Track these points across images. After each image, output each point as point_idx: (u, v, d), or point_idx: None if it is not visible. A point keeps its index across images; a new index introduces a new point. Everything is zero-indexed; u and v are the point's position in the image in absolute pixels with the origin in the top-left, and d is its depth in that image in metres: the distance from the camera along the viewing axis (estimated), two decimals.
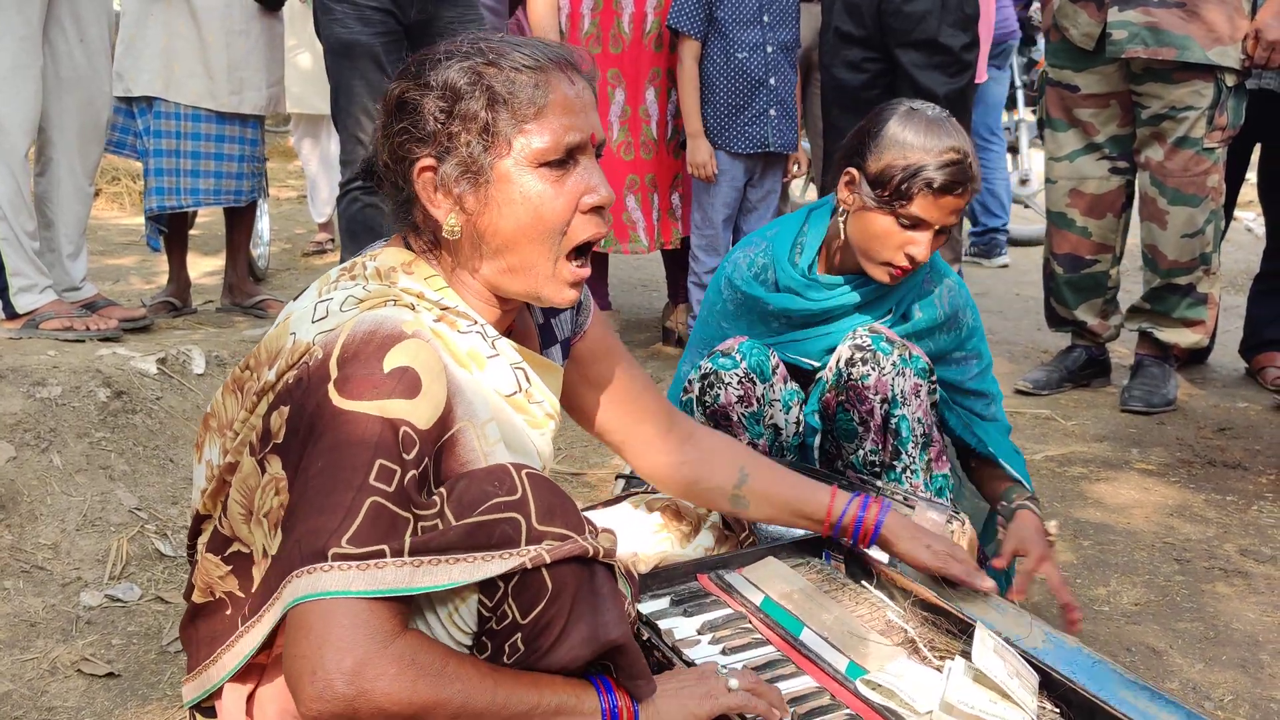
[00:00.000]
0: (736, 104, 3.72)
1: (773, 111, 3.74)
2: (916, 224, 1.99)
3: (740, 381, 2.08)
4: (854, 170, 2.04)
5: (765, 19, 3.69)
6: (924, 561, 1.68)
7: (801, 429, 2.17)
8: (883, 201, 1.99)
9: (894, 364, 1.99)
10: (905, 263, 2.02)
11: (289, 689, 1.16)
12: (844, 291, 2.13)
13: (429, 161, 1.36)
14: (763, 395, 2.10)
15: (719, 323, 2.26)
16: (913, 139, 1.97)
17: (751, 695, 1.35)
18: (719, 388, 2.08)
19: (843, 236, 2.09)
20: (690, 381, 2.13)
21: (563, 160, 1.36)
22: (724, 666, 1.39)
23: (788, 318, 2.17)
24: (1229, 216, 3.96)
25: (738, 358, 2.09)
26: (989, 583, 1.65)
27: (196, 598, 1.42)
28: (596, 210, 1.39)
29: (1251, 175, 4.11)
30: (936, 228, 2.00)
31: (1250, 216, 6.61)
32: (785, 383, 2.15)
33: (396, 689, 1.13)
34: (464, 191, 1.35)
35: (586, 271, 1.43)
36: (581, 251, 1.42)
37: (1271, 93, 3.57)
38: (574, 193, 1.37)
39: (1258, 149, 3.91)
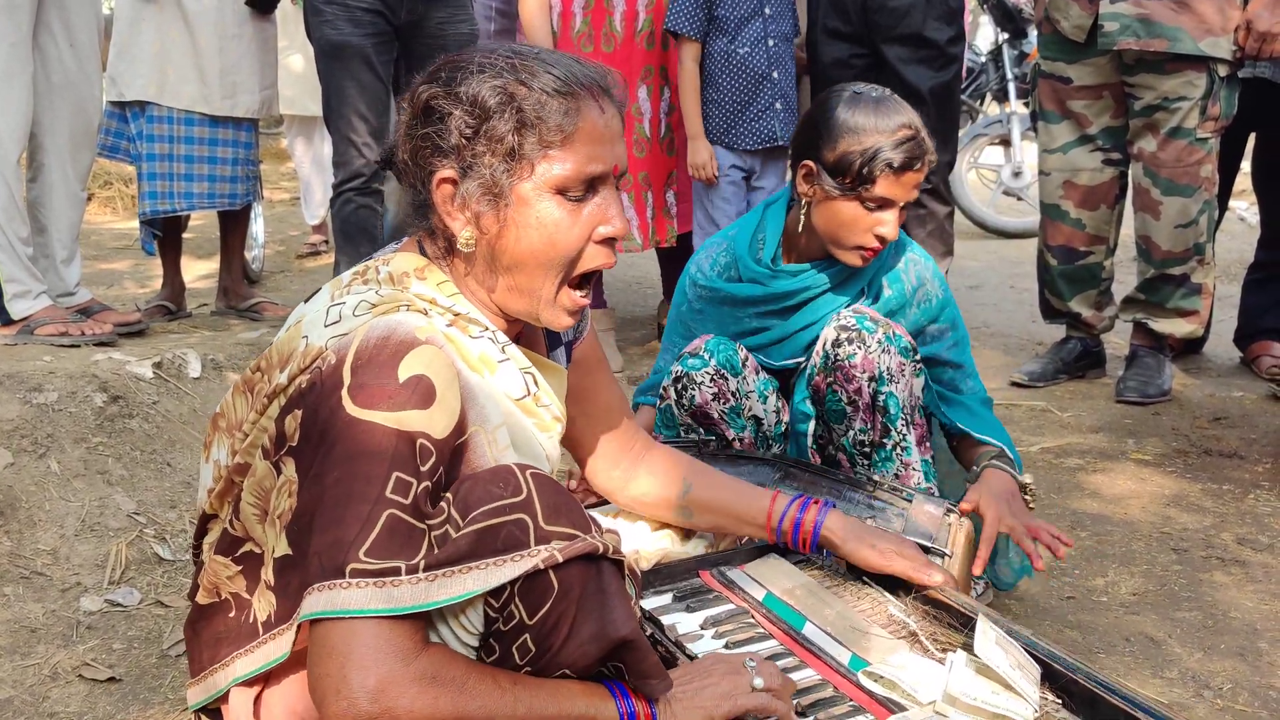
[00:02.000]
0: (742, 100, 3.69)
1: (778, 105, 3.71)
2: (882, 205, 2.04)
3: (712, 379, 2.10)
4: (810, 163, 2.08)
5: (767, 11, 3.65)
6: (869, 561, 1.67)
7: (783, 417, 2.18)
8: (846, 188, 2.03)
9: (879, 341, 2.01)
10: (876, 244, 2.07)
11: (314, 705, 1.17)
12: (809, 276, 2.17)
13: (449, 174, 1.36)
14: (737, 389, 2.12)
15: (686, 324, 2.29)
16: (864, 122, 2.02)
17: (771, 698, 1.35)
18: (693, 389, 2.11)
19: (803, 227, 2.14)
20: (665, 388, 2.16)
21: (582, 190, 1.37)
22: (751, 662, 1.38)
23: (754, 303, 2.19)
24: (1224, 206, 3.97)
25: (706, 356, 2.12)
26: (936, 577, 1.64)
27: (201, 599, 1.42)
28: (609, 241, 1.40)
29: (1246, 164, 4.11)
30: (900, 204, 2.05)
31: (1243, 206, 6.63)
32: (757, 374, 2.17)
33: (419, 706, 1.14)
34: (482, 211, 1.35)
35: (587, 301, 1.45)
36: (585, 279, 1.43)
37: (1266, 81, 3.58)
38: (590, 222, 1.38)
39: (1252, 138, 3.92)
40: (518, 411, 1.40)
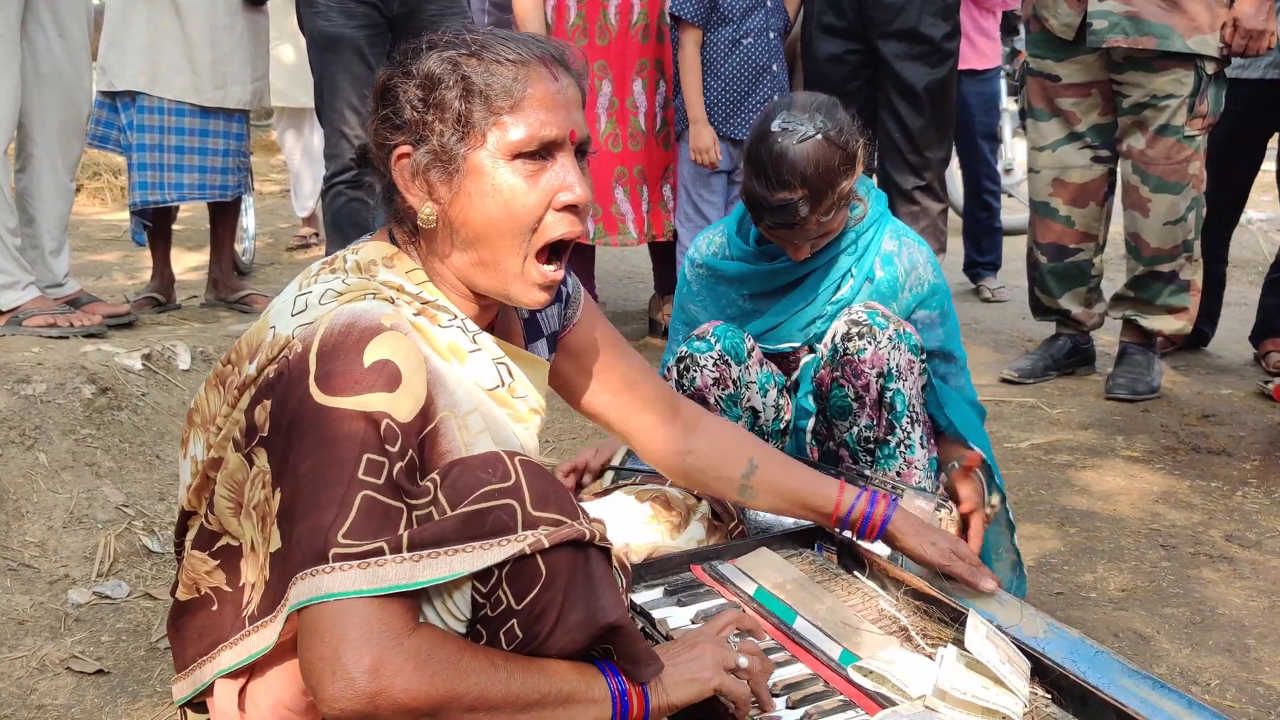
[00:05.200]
0: (742, 91, 3.68)
1: (777, 97, 3.71)
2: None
3: (715, 364, 2.11)
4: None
5: (768, 3, 3.65)
6: (930, 558, 1.67)
7: (782, 412, 2.19)
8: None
9: (890, 338, 2.02)
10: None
11: (309, 691, 1.17)
12: (787, 258, 2.18)
13: (405, 149, 1.36)
14: (738, 377, 2.13)
15: (688, 306, 2.32)
16: (753, 172, 2.08)
17: (754, 687, 1.36)
18: (694, 371, 2.11)
19: None
20: (669, 368, 2.16)
21: (538, 155, 1.35)
22: (734, 637, 1.40)
23: (743, 281, 2.23)
24: (1240, 208, 4.00)
25: (712, 340, 2.12)
26: (991, 583, 1.64)
27: (182, 595, 1.42)
28: (571, 209, 1.38)
29: (1269, 165, 4.11)
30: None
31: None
32: (761, 365, 2.17)
33: (415, 684, 1.14)
34: (436, 180, 1.35)
35: (558, 275, 1.41)
36: (556, 254, 1.41)
37: None
38: (548, 189, 1.36)
39: (1275, 140, 3.93)
40: (490, 401, 1.39)
